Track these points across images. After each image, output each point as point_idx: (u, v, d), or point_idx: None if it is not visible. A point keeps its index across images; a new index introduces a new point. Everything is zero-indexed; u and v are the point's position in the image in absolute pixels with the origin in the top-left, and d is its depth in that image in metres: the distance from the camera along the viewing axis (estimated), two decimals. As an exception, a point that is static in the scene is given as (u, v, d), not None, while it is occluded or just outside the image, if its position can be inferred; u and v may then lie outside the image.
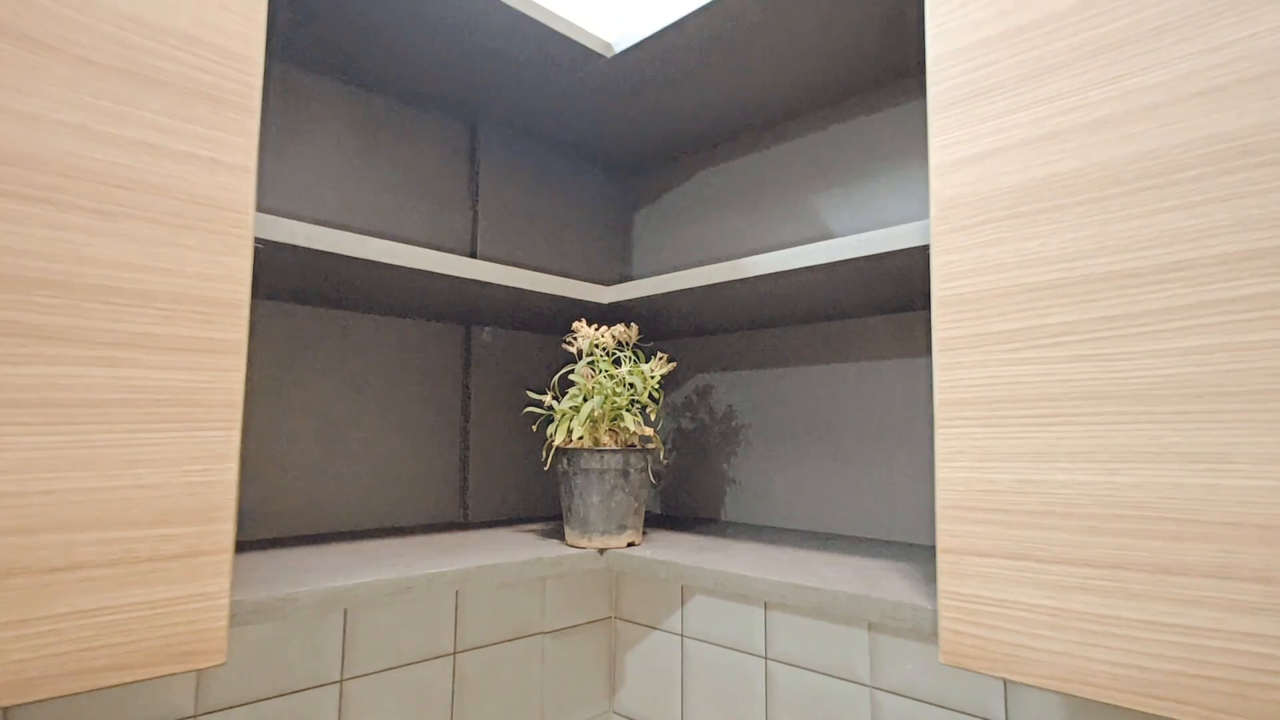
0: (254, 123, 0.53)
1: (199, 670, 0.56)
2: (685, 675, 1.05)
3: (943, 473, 0.51)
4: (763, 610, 0.96)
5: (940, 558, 0.51)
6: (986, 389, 0.49)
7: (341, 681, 0.85)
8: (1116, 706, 0.64)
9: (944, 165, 0.52)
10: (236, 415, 0.51)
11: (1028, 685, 0.49)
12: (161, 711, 0.72)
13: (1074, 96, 0.47)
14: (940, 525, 0.51)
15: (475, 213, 0.99)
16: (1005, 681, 0.75)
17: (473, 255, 0.99)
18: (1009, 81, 0.50)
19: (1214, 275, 0.41)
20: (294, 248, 0.59)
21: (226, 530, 0.50)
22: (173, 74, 0.49)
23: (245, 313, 0.51)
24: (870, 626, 0.85)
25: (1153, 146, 0.43)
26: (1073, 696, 0.48)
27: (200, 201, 0.50)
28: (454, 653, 0.95)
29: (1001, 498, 0.48)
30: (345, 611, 0.85)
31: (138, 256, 0.47)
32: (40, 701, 0.58)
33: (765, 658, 0.96)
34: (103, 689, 0.55)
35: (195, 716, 0.74)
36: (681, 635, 1.06)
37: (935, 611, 0.52)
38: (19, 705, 0.51)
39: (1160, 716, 0.48)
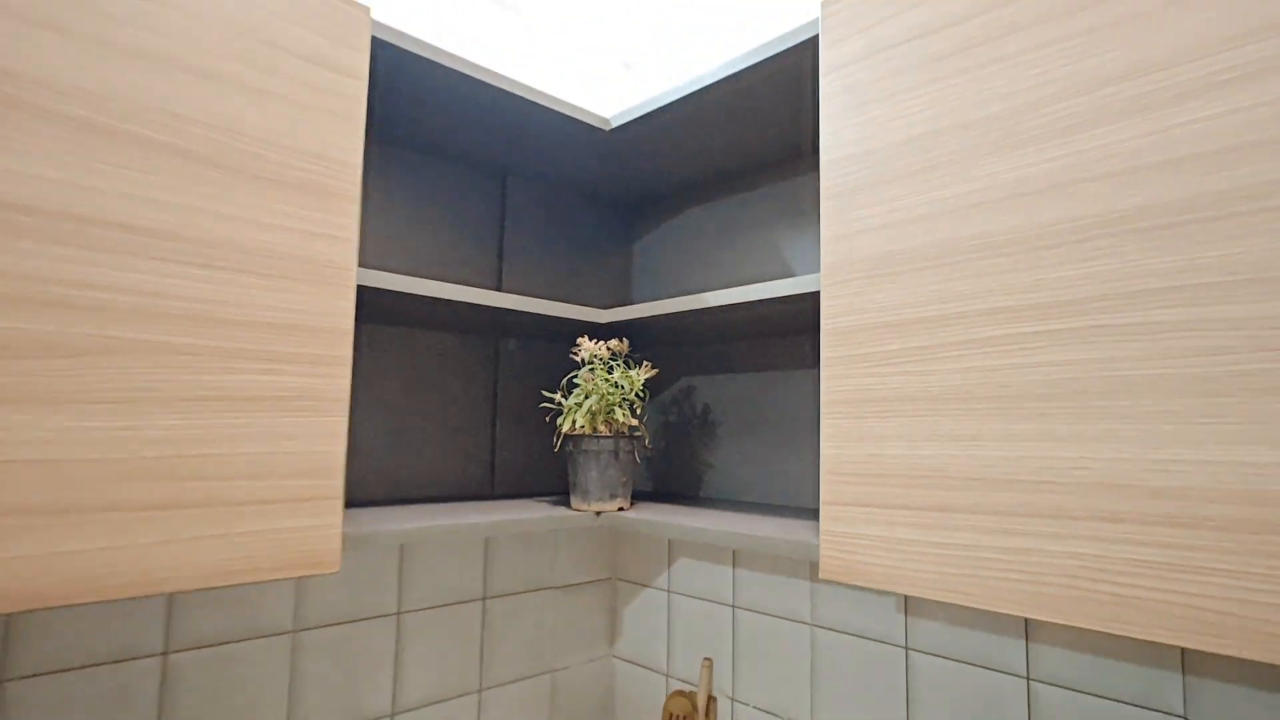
0: (356, 208, 0.77)
1: (323, 574, 0.81)
2: (671, 623, 1.29)
3: (825, 450, 0.74)
4: (731, 569, 1.20)
5: (822, 509, 0.74)
6: (852, 393, 0.72)
7: (399, 614, 1.10)
8: (932, 600, 0.86)
9: (828, 238, 0.75)
10: (345, 408, 0.75)
11: (869, 589, 0.72)
12: (272, 622, 0.97)
13: (905, 200, 0.69)
14: (823, 486, 0.74)
15: (501, 251, 1.23)
16: (906, 616, 0.97)
17: (498, 287, 1.23)
18: (866, 185, 0.73)
19: (983, 322, 0.64)
20: (375, 289, 0.84)
21: (339, 484, 0.75)
22: (303, 179, 0.74)
23: (350, 338, 0.76)
24: (811, 577, 1.09)
25: (943, 238, 0.66)
26: (900, 594, 0.70)
27: (323, 264, 0.74)
28: (484, 598, 1.20)
29: (858, 466, 0.71)
30: (401, 559, 1.10)
31: (286, 303, 0.72)
32: (214, 589, 0.83)
33: (733, 606, 1.19)
34: (264, 582, 0.81)
35: (294, 631, 0.99)
36: (668, 591, 1.30)
37: (818, 545, 0.75)
38: (207, 589, 0.77)
39: (952, 604, 0.71)
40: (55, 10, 0.60)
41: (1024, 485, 0.60)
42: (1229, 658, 0.73)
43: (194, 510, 0.65)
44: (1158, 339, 0.54)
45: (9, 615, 0.79)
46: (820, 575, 0.74)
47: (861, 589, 1.02)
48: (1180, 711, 0.75)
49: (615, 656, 1.39)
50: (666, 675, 1.29)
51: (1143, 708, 0.78)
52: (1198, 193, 0.53)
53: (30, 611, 0.72)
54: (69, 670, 0.82)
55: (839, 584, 1.04)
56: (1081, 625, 0.56)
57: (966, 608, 0.86)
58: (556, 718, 1.29)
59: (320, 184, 0.75)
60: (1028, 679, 0.86)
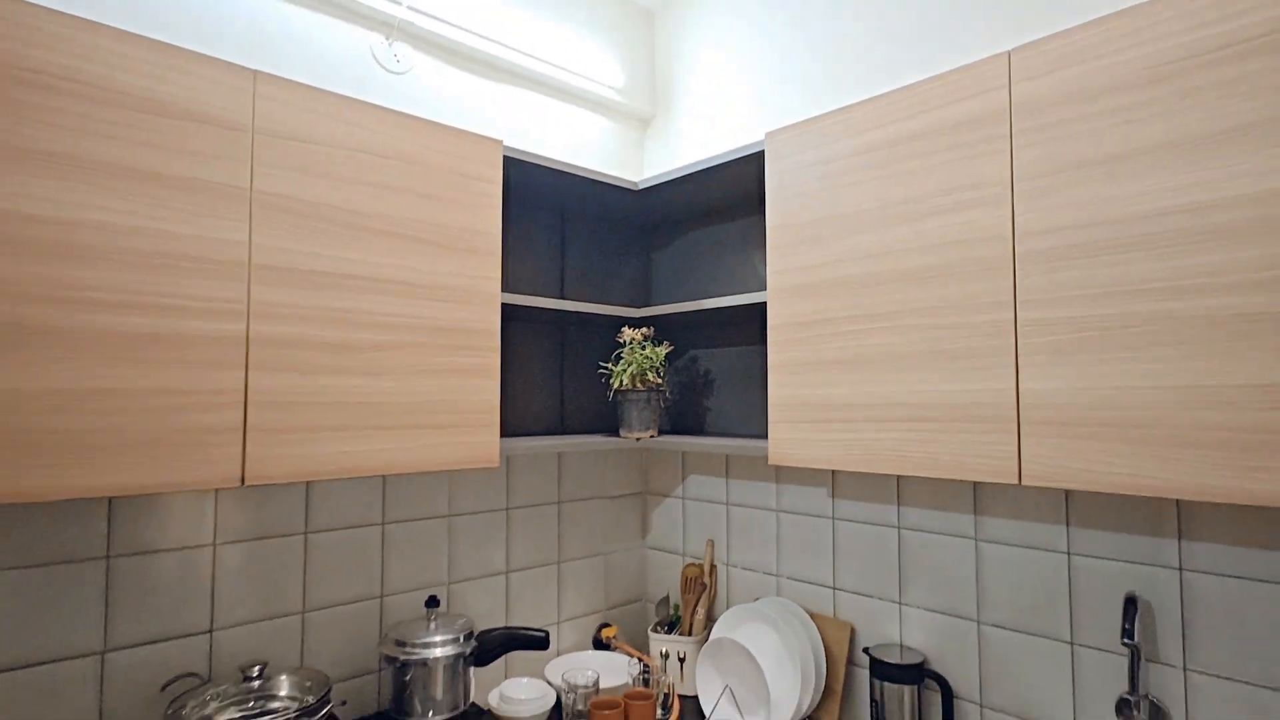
0: (499, 260, 1.33)
1: (489, 468, 1.38)
2: (685, 519, 1.87)
3: (771, 394, 1.31)
4: (725, 480, 1.78)
5: (770, 426, 1.31)
6: (785, 360, 1.28)
7: (507, 509, 1.68)
8: (841, 478, 1.44)
9: (771, 272, 1.31)
10: (498, 375, 1.32)
11: (794, 466, 1.29)
12: (435, 509, 1.55)
13: (810, 254, 1.25)
14: (770, 414, 1.31)
15: (563, 270, 1.79)
16: (833, 500, 1.55)
17: (562, 296, 1.79)
18: (789, 244, 1.28)
19: (853, 321, 1.19)
20: (507, 304, 1.40)
21: (497, 419, 1.32)
22: (472, 247, 1.30)
23: (498, 335, 1.33)
24: (776, 478, 1.66)
25: (829, 276, 1.21)
26: (821, 470, 1.28)
27: (486, 294, 1.31)
28: (559, 502, 1.79)
29: (790, 401, 1.28)
30: (508, 472, 1.68)
31: (468, 317, 1.28)
32: (423, 474, 1.42)
33: (726, 504, 1.77)
34: (458, 470, 1.39)
35: (449, 515, 1.58)
36: (682, 498, 1.88)
37: (768, 446, 1.32)
38: (422, 473, 1.35)
39: (846, 471, 1.29)
40: (350, 171, 1.16)
41: (882, 405, 1.16)
42: (1001, 501, 1.30)
43: (424, 430, 1.23)
44: (921, 334, 1.10)
45: (310, 484, 1.38)
46: (769, 463, 1.31)
47: (800, 483, 1.60)
48: (971, 534, 1.33)
49: (647, 547, 1.98)
50: (682, 554, 1.88)
51: (954, 535, 1.35)
52: (943, 260, 1.08)
53: (325, 481, 1.31)
54: (345, 528, 1.41)
55: (784, 467, 1.62)
56: (907, 473, 1.13)
57: (859, 475, 1.44)
58: (609, 583, 1.89)
59: (481, 249, 1.31)
60: (899, 528, 1.44)
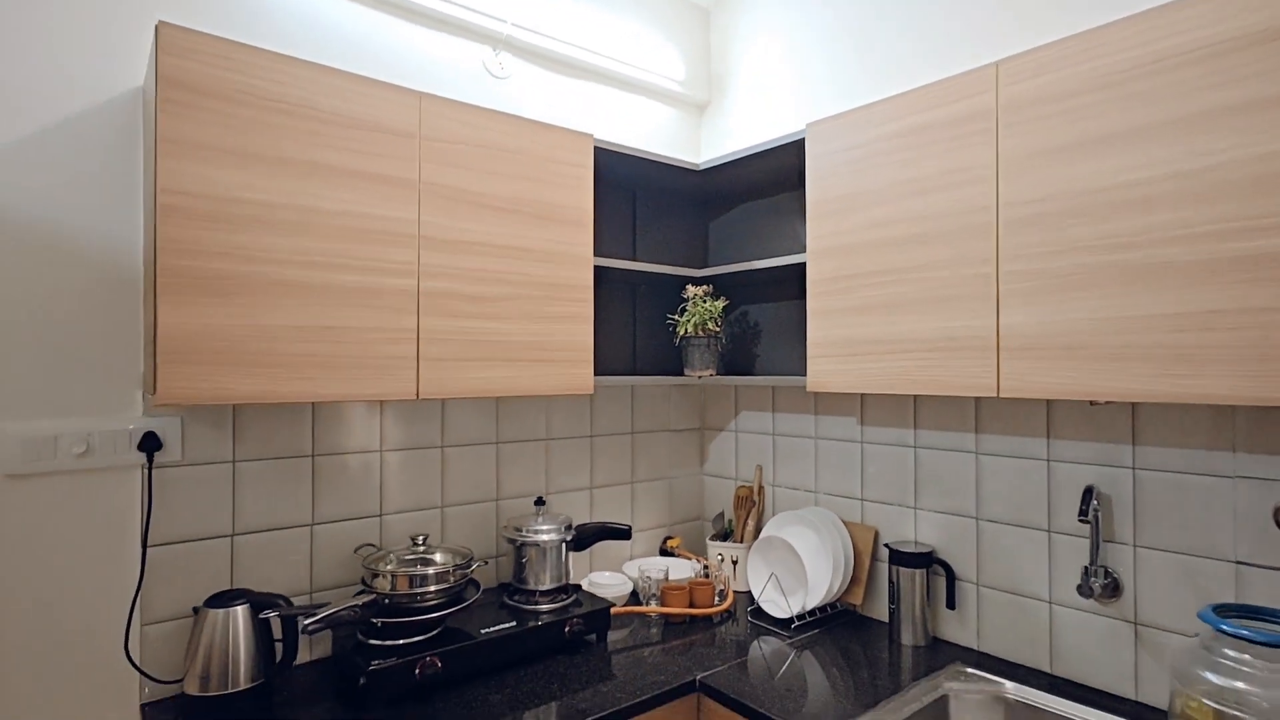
0: (590, 229, 1.68)
1: (588, 395, 1.75)
2: (737, 450, 2.22)
3: (810, 334, 1.63)
4: (771, 414, 2.11)
5: (809, 361, 1.63)
6: (822, 307, 1.61)
7: (591, 437, 2.06)
8: (870, 402, 1.77)
9: (811, 237, 1.62)
10: (591, 322, 1.68)
11: (828, 392, 1.62)
12: (536, 431, 1.94)
13: (843, 222, 1.56)
14: (809, 350, 1.63)
15: (634, 237, 2.13)
16: (861, 426, 1.87)
17: (634, 258, 2.13)
18: (826, 215, 1.59)
19: (875, 277, 1.50)
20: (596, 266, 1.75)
21: (590, 356, 1.68)
22: (573, 219, 1.64)
23: (591, 290, 1.68)
24: (815, 410, 1.99)
25: (858, 240, 1.52)
26: (845, 393, 1.61)
27: (581, 257, 1.66)
28: (631, 433, 2.15)
29: (825, 339, 1.60)
30: (592, 406, 2.05)
31: (569, 275, 1.64)
32: (533, 398, 1.80)
33: (773, 434, 2.11)
34: (563, 395, 1.77)
35: (546, 439, 1.96)
36: (735, 431, 2.23)
37: (806, 378, 1.65)
38: (532, 396, 1.73)
39: (872, 394, 1.62)
40: (481, 163, 1.51)
41: (896, 340, 1.48)
42: (995, 419, 1.60)
43: (537, 363, 1.59)
44: (926, 284, 1.40)
45: (445, 401, 1.77)
46: (808, 390, 1.64)
47: (834, 413, 1.92)
48: (972, 449, 1.64)
49: (704, 473, 2.34)
50: (735, 479, 2.24)
51: (958, 450, 1.66)
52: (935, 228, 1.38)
53: (457, 404, 1.70)
54: (469, 445, 1.80)
55: (821, 397, 1.95)
56: (916, 392, 1.45)
57: (882, 404, 1.76)
58: (673, 503, 2.26)
59: (577, 221, 1.66)
60: (915, 448, 1.76)
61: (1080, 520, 1.37)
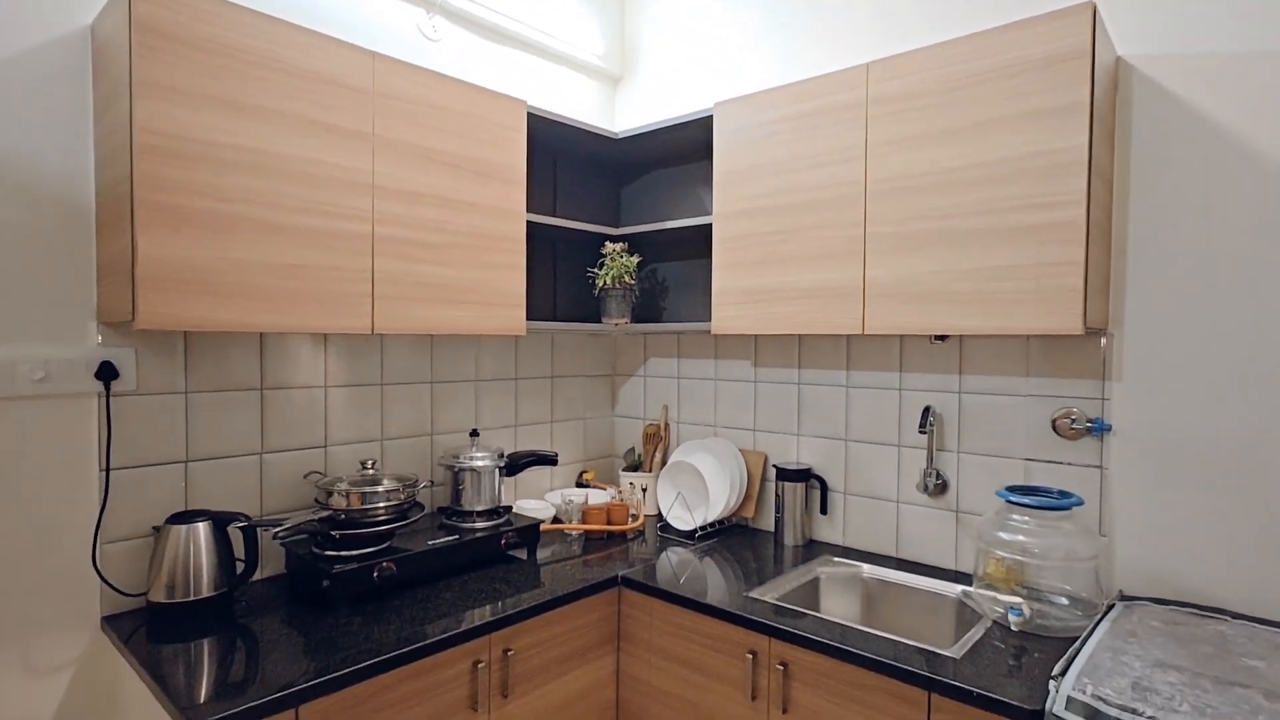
0: (524, 188, 1.86)
1: (513, 342, 1.94)
2: (645, 393, 2.50)
3: (715, 285, 1.91)
4: (676, 360, 2.40)
5: (713, 308, 1.92)
6: (726, 262, 1.89)
7: (516, 379, 2.25)
8: (763, 344, 2.10)
9: (716, 201, 1.90)
10: (524, 271, 1.87)
11: (730, 334, 1.92)
12: (464, 373, 2.11)
13: (745, 188, 1.84)
14: (714, 300, 1.91)
15: (555, 195, 2.33)
16: (755, 368, 2.19)
17: (555, 215, 2.32)
18: (731, 182, 1.87)
19: (771, 237, 1.80)
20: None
21: (523, 301, 1.87)
22: (509, 178, 1.82)
23: (524, 242, 1.87)
24: (715, 355, 2.29)
25: (759, 205, 1.81)
26: (742, 335, 1.91)
27: (514, 215, 1.84)
28: (551, 377, 2.37)
29: (728, 289, 1.89)
30: (517, 350, 2.24)
31: (504, 227, 1.82)
32: (463, 337, 1.97)
33: (678, 378, 2.40)
34: (493, 335, 1.96)
35: (475, 380, 2.14)
36: (644, 377, 2.50)
37: (711, 323, 1.94)
38: (466, 335, 1.91)
39: (766, 334, 1.93)
40: (429, 121, 1.66)
41: (785, 290, 1.78)
42: (861, 357, 1.96)
43: (477, 305, 1.77)
44: (810, 243, 1.71)
45: (385, 342, 1.91)
46: (713, 333, 1.93)
47: (732, 357, 2.23)
48: (843, 383, 2.00)
49: (615, 415, 2.60)
50: (643, 419, 2.51)
51: (833, 385, 2.02)
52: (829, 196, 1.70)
53: (394, 335, 1.85)
54: (406, 383, 1.95)
55: (721, 341, 2.26)
56: (800, 332, 1.77)
57: (772, 347, 2.09)
58: (587, 441, 2.51)
59: (512, 180, 1.84)
60: (798, 384, 2.10)
61: (920, 432, 1.75)
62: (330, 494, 1.60)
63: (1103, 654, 1.23)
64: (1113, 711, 1.07)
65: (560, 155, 2.33)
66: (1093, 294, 1.41)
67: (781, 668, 1.46)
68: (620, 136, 2.18)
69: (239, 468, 1.64)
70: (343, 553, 1.58)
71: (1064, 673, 1.18)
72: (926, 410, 1.76)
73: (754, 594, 1.63)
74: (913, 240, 1.55)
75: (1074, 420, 1.61)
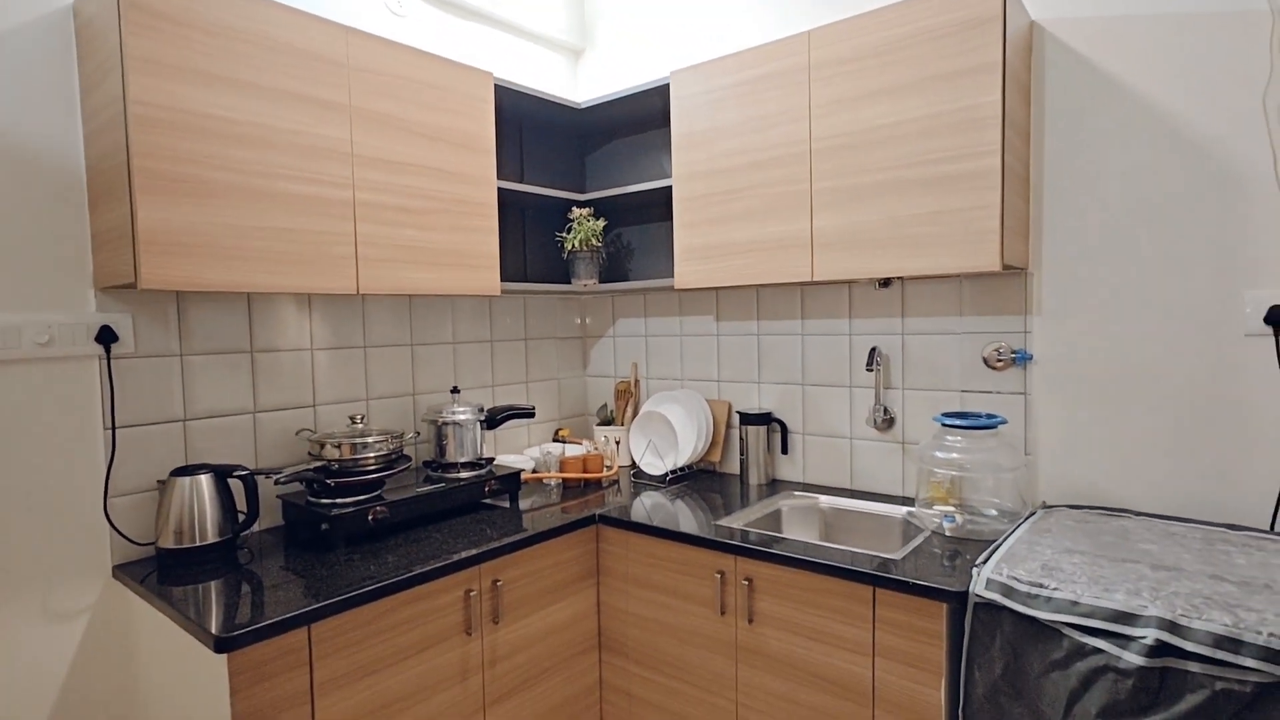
0: (494, 157, 1.97)
1: (487, 306, 2.06)
2: (615, 352, 2.63)
3: (677, 243, 2.04)
4: (643, 319, 2.53)
5: (676, 264, 2.05)
6: (686, 221, 2.02)
7: (492, 341, 2.37)
8: (725, 298, 2.24)
9: (676, 164, 2.02)
10: (496, 234, 1.98)
11: (692, 288, 2.06)
12: (441, 335, 2.23)
13: (702, 152, 1.97)
14: (677, 256, 2.05)
15: (522, 163, 2.43)
16: (717, 322, 2.34)
17: (522, 181, 2.43)
18: (689, 145, 2.00)
19: (729, 195, 1.94)
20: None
21: (497, 263, 1.99)
22: (470, 144, 1.93)
23: (496, 207, 1.98)
24: (680, 312, 2.43)
25: (715, 167, 1.95)
26: (703, 289, 2.06)
27: (486, 181, 1.95)
28: (525, 339, 2.49)
29: (692, 244, 2.02)
30: (491, 313, 2.36)
31: (474, 196, 1.93)
32: (437, 297, 2.09)
33: (645, 336, 2.54)
34: (468, 295, 2.07)
35: (453, 343, 2.25)
36: (613, 337, 2.64)
37: (674, 278, 2.07)
38: (435, 295, 2.02)
39: (723, 286, 2.08)
40: (404, 93, 1.75)
41: (742, 244, 1.92)
42: (814, 306, 2.12)
43: (455, 267, 1.88)
44: (762, 200, 1.85)
45: (366, 307, 2.01)
46: (676, 288, 2.07)
47: (696, 314, 2.37)
48: (799, 332, 2.16)
49: (587, 375, 2.74)
50: (614, 377, 2.65)
51: (789, 334, 2.18)
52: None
53: (376, 300, 1.96)
54: (387, 346, 2.06)
55: (685, 297, 2.40)
56: (757, 283, 1.92)
57: (733, 301, 2.24)
58: (561, 400, 2.64)
59: (483, 149, 1.94)
60: (758, 336, 2.25)
61: (868, 370, 1.92)
62: (323, 446, 1.71)
63: (1019, 546, 1.41)
64: (1023, 586, 1.25)
65: (526, 125, 2.43)
66: (1011, 236, 1.58)
67: (747, 583, 1.62)
68: (583, 106, 2.28)
69: (234, 426, 1.74)
70: (338, 500, 1.69)
71: (985, 561, 1.36)
72: (873, 351, 1.93)
73: (721, 522, 1.79)
74: (854, 193, 1.70)
75: (1001, 353, 1.79)
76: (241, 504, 1.73)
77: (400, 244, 1.75)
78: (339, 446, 1.71)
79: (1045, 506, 1.70)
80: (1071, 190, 1.69)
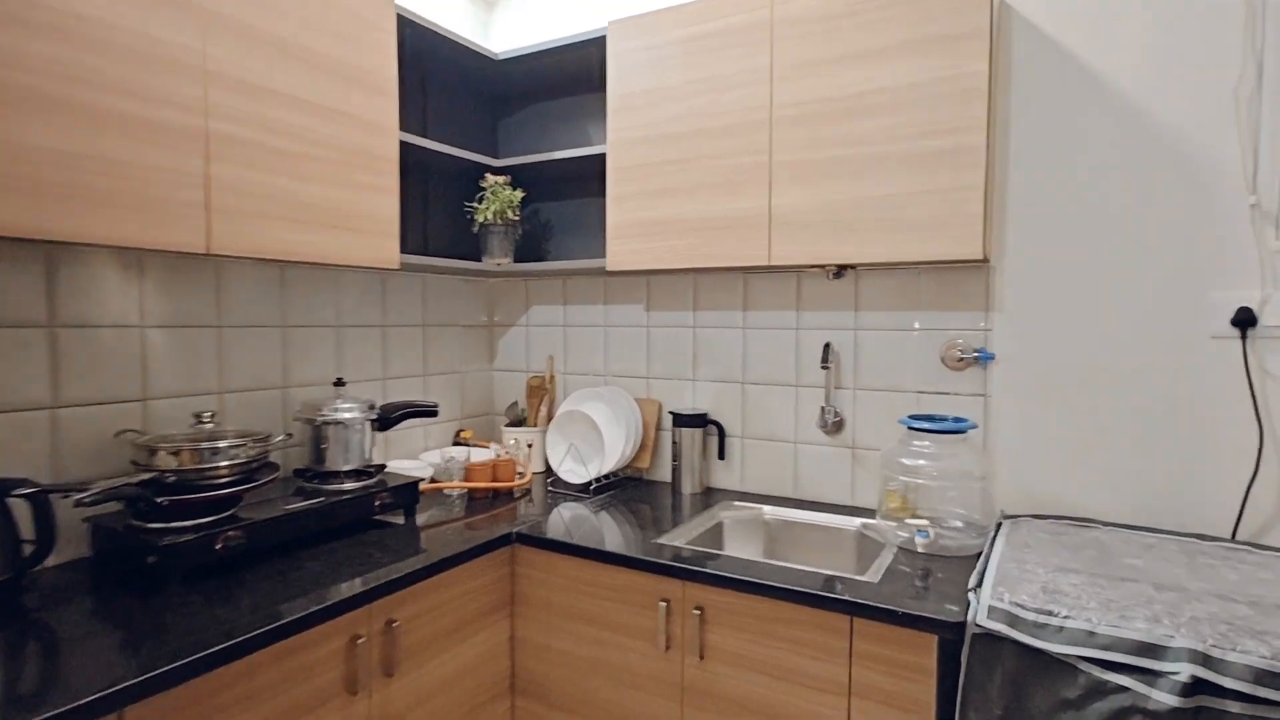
0: (395, 100, 1.62)
1: (380, 285, 1.69)
2: (528, 343, 2.32)
3: (610, 219, 1.78)
4: (562, 306, 2.24)
5: (608, 243, 1.79)
6: (622, 193, 1.76)
7: (384, 327, 2.00)
8: (661, 287, 2.00)
9: (611, 129, 1.76)
10: (397, 195, 1.63)
11: (627, 270, 1.80)
12: (322, 318, 1.83)
13: (637, 117, 1.72)
14: (609, 233, 1.79)
15: (425, 118, 2.07)
16: (648, 312, 2.09)
17: (424, 136, 2.08)
18: (625, 110, 1.74)
19: (669, 167, 1.69)
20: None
21: (396, 229, 1.64)
22: (365, 81, 1.57)
23: (397, 163, 1.63)
24: (604, 300, 2.17)
25: (651, 134, 1.70)
26: (648, 271, 1.80)
27: (386, 129, 1.60)
28: (423, 325, 2.13)
29: (626, 221, 1.76)
30: (385, 289, 1.98)
31: (370, 147, 1.57)
32: (331, 267, 1.69)
33: (564, 326, 2.25)
34: (365, 267, 1.69)
35: (337, 326, 1.86)
36: (526, 326, 2.33)
37: (606, 259, 1.81)
38: (332, 265, 1.64)
39: (666, 269, 1.83)
40: (284, 4, 1.38)
41: (688, 220, 1.68)
42: (759, 297, 1.92)
43: (344, 231, 1.52)
44: (714, 171, 1.63)
45: (221, 275, 1.59)
46: (608, 269, 1.80)
47: (623, 302, 2.12)
48: (740, 325, 1.95)
49: (494, 369, 2.41)
50: (526, 371, 2.34)
51: (729, 327, 1.97)
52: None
53: (236, 268, 1.55)
54: (250, 327, 1.64)
55: (613, 282, 2.14)
56: (705, 265, 1.69)
57: (666, 289, 2.00)
58: (464, 398, 2.29)
59: (383, 90, 1.59)
60: (694, 328, 2.03)
61: (822, 367, 1.74)
62: (154, 452, 1.30)
63: (1008, 565, 1.27)
64: (1029, 615, 1.09)
65: (431, 73, 2.08)
66: (985, 223, 1.45)
67: (698, 612, 1.38)
68: (500, 57, 1.97)
69: (20, 426, 1.29)
70: (174, 523, 1.29)
71: (979, 585, 1.20)
72: (827, 347, 1.76)
73: (663, 540, 1.54)
74: (821, 168, 1.51)
75: (961, 352, 1.67)
76: (29, 530, 1.28)
77: (270, 195, 1.37)
78: (177, 453, 1.30)
79: (1006, 517, 1.58)
80: (1036, 180, 1.59)
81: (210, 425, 1.42)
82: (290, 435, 1.56)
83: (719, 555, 1.43)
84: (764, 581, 1.29)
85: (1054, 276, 1.58)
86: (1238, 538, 1.44)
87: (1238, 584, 1.18)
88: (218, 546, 1.27)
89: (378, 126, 1.59)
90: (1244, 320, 1.42)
